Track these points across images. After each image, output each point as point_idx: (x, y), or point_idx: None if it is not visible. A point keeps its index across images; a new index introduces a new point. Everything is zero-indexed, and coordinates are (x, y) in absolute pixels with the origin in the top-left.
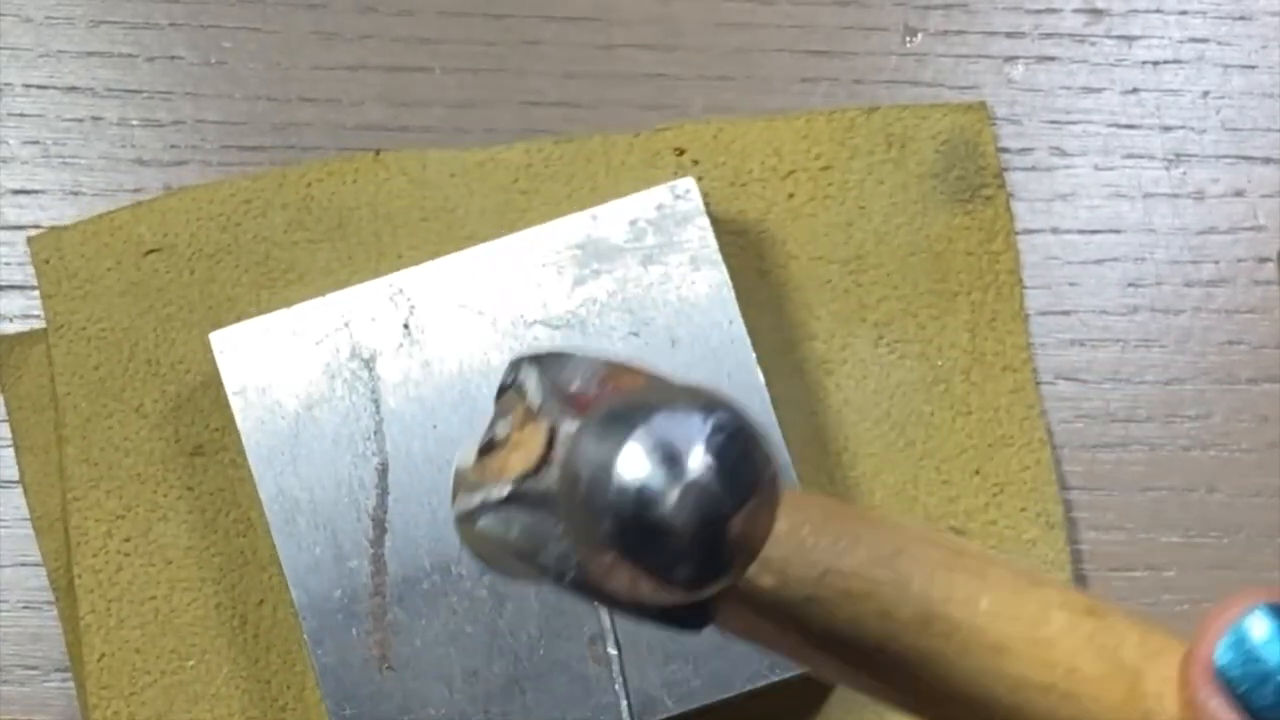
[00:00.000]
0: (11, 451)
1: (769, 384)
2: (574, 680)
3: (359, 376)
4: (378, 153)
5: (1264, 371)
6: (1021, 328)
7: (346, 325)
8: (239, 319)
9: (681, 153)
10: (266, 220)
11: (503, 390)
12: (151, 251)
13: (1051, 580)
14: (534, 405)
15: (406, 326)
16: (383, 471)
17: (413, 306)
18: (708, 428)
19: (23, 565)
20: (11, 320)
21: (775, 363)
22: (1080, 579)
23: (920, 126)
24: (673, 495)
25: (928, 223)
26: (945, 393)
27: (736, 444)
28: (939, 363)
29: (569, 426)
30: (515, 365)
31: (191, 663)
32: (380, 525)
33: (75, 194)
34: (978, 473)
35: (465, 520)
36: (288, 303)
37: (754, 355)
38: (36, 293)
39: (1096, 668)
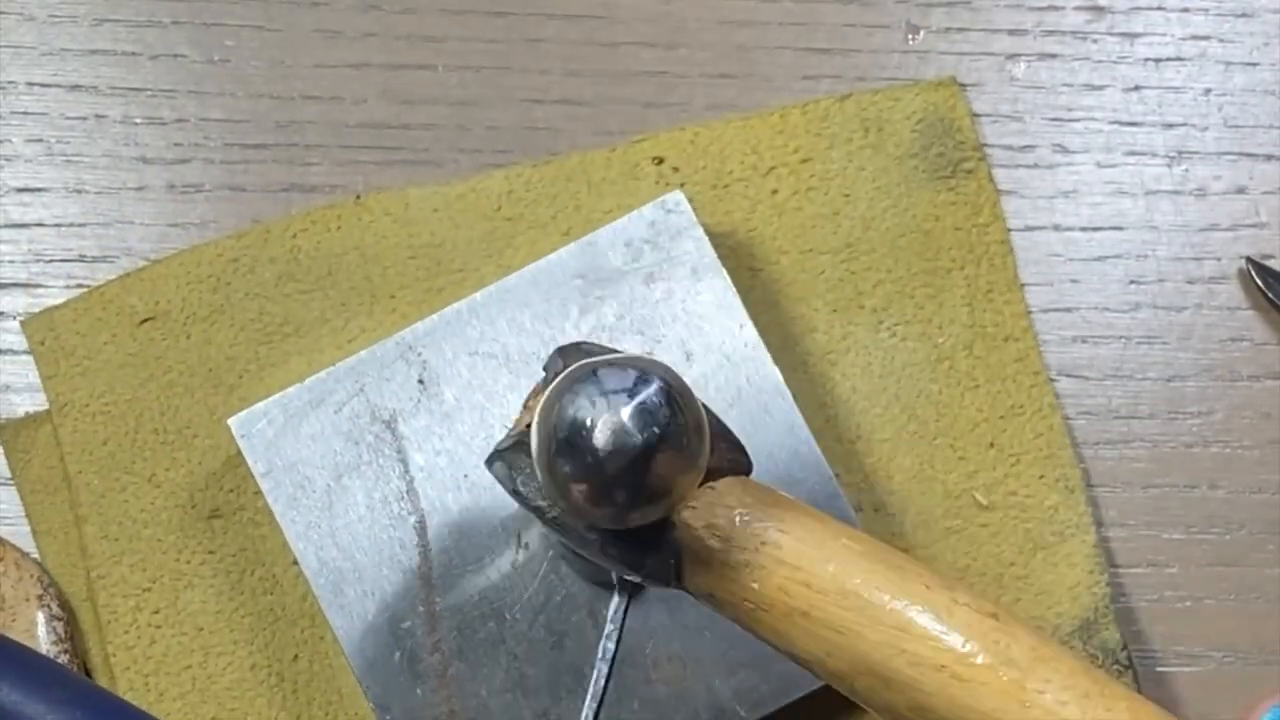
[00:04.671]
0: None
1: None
2: (645, 705)
3: (382, 439)
4: (358, 197)
5: (1266, 368)
6: (1019, 296)
7: (362, 390)
8: (240, 378)
9: (660, 161)
10: (256, 276)
11: (545, 368)
12: (145, 321)
13: (966, 585)
14: (548, 379)
15: (421, 382)
16: (421, 529)
17: (425, 362)
18: (637, 384)
19: None
20: (16, 318)
21: (779, 359)
22: None
23: (894, 108)
24: (597, 426)
25: (913, 203)
26: (950, 369)
27: (657, 399)
28: (941, 340)
29: None
30: (553, 351)
31: None
32: (428, 582)
33: (79, 192)
34: (992, 445)
35: (487, 463)
36: (286, 356)
37: (769, 355)
38: (40, 291)
39: (988, 658)
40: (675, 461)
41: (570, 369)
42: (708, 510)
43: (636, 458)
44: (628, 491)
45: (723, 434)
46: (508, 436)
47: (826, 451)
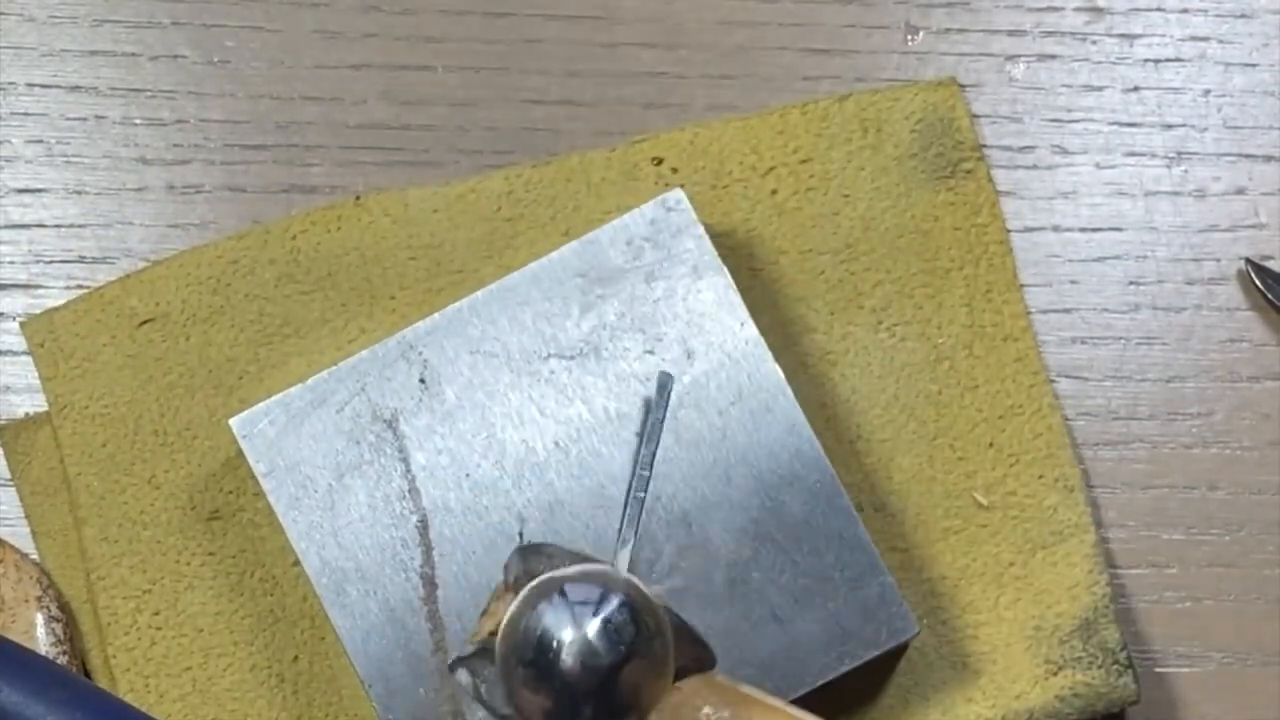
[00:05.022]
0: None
1: None
2: None
3: (384, 438)
4: (358, 197)
5: (1265, 369)
6: (1018, 296)
7: (363, 389)
8: (240, 379)
9: (659, 162)
10: (255, 277)
11: (505, 569)
12: (145, 322)
13: None
14: (509, 583)
15: (423, 381)
16: (423, 528)
17: (426, 361)
18: (603, 600)
19: None
20: (15, 319)
21: (778, 360)
22: None
23: (893, 109)
24: (564, 643)
25: (912, 203)
26: (950, 370)
27: (623, 614)
28: (940, 341)
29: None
30: (513, 552)
31: None
32: (430, 582)
33: (79, 193)
34: (991, 445)
35: (449, 671)
36: (286, 357)
37: (770, 354)
38: (39, 292)
39: None
40: (644, 673)
41: (534, 585)
42: (675, 713)
43: (605, 676)
44: (596, 707)
45: (686, 633)
46: (469, 643)
47: (826, 452)
